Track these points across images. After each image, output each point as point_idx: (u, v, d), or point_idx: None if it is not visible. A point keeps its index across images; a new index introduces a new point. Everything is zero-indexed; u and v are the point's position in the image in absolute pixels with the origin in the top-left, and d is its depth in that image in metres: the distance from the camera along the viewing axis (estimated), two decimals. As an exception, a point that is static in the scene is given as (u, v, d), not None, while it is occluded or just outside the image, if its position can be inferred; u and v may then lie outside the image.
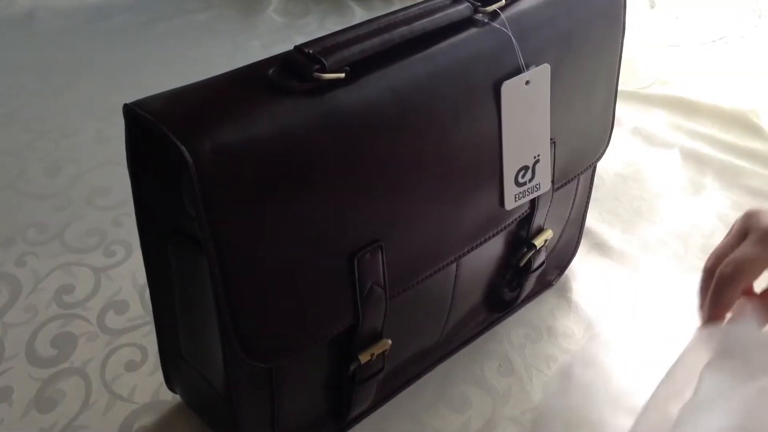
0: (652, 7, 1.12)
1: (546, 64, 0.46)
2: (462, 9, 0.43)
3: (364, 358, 0.45)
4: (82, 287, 0.64)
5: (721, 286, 0.48)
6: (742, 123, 0.87)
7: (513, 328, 0.61)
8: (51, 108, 0.87)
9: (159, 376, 0.52)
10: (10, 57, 0.97)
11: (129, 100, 0.36)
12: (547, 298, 0.64)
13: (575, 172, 0.55)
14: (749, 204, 0.75)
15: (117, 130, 0.83)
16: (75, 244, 0.68)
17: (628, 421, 0.54)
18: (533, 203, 0.51)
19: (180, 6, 1.10)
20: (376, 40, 0.39)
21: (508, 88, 0.44)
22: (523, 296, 0.60)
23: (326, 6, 1.11)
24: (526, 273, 0.56)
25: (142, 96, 0.36)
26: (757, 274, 0.48)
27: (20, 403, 0.54)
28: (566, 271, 0.66)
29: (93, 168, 0.78)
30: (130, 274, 0.65)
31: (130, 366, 0.57)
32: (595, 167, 0.59)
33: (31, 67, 0.95)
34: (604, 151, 0.57)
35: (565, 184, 0.54)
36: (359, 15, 1.08)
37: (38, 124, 0.84)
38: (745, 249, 0.48)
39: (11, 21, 1.05)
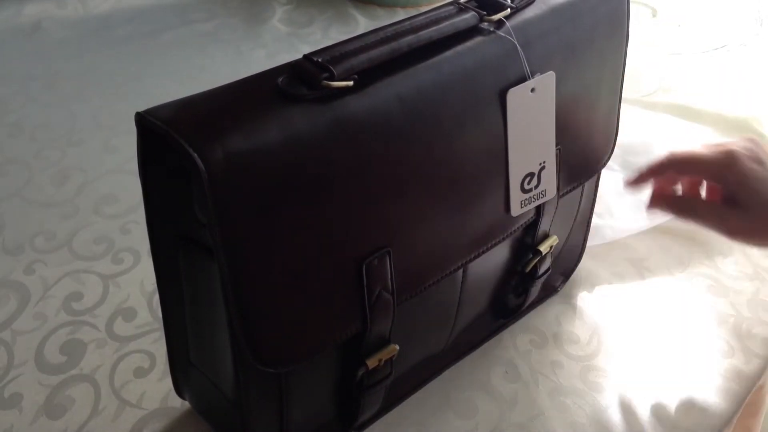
0: (654, 15, 1.12)
1: (551, 71, 0.47)
2: (468, 18, 0.43)
3: (372, 363, 0.46)
4: (90, 295, 0.64)
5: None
6: (745, 130, 0.87)
7: (519, 334, 0.61)
8: (57, 117, 0.88)
9: (168, 382, 0.53)
10: (17, 67, 0.98)
11: (135, 109, 0.36)
12: (553, 304, 0.64)
13: (580, 179, 0.55)
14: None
15: (123, 139, 0.84)
16: (83, 252, 0.69)
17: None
18: (539, 210, 0.52)
19: (184, 16, 1.11)
20: (383, 49, 0.40)
21: (514, 95, 0.45)
22: (528, 302, 0.60)
23: (330, 15, 1.12)
24: (531, 279, 0.57)
25: (148, 105, 0.36)
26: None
27: (30, 410, 0.54)
28: (571, 277, 0.66)
29: (100, 176, 0.78)
30: (138, 281, 0.65)
31: (139, 372, 0.57)
32: (599, 174, 0.60)
33: (38, 77, 0.96)
34: (609, 157, 0.58)
35: (571, 190, 0.54)
36: (363, 24, 1.09)
37: (45, 133, 0.85)
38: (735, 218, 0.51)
39: (18, 31, 1.06)
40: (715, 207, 0.52)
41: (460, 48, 0.43)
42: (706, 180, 0.54)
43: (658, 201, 0.55)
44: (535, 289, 0.59)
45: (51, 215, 0.73)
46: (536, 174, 0.49)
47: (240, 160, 0.34)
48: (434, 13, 0.43)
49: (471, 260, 0.48)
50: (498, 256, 0.53)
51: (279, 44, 1.04)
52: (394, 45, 0.40)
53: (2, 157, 0.81)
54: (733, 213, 0.51)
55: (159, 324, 0.60)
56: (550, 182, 0.51)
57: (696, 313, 0.64)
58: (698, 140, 0.84)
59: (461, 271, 0.50)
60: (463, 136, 0.43)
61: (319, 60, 0.38)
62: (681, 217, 0.55)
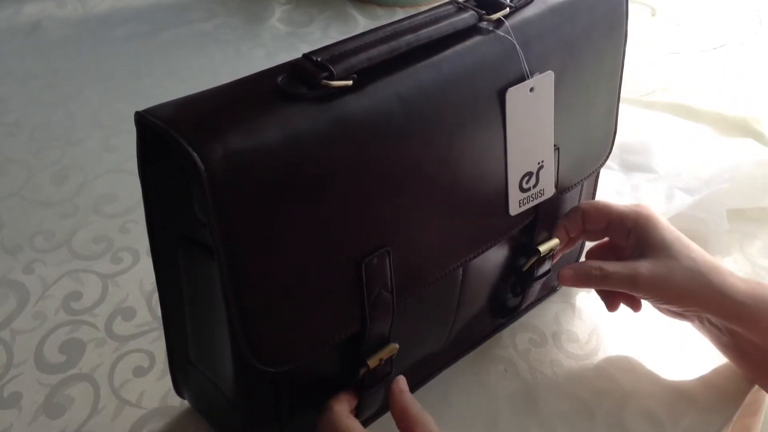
0: (653, 14, 1.13)
1: (550, 71, 0.47)
2: (467, 17, 0.43)
3: (372, 362, 0.46)
4: (89, 294, 0.64)
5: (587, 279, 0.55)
6: (744, 130, 0.87)
7: (518, 333, 0.61)
8: (57, 116, 0.88)
9: (167, 381, 0.53)
10: (16, 66, 0.98)
11: (134, 109, 0.36)
12: (552, 303, 0.64)
13: (579, 178, 0.55)
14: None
15: (123, 138, 0.84)
16: (82, 252, 0.69)
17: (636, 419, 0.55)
18: (537, 209, 0.52)
19: (184, 15, 1.11)
20: (383, 48, 0.40)
21: (513, 95, 0.45)
22: (527, 303, 0.60)
23: (329, 15, 1.12)
24: (529, 279, 0.57)
25: (147, 104, 0.36)
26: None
27: (29, 409, 0.55)
28: (570, 277, 0.66)
29: (99, 176, 0.78)
30: (137, 280, 0.65)
31: (138, 372, 0.57)
32: (598, 173, 0.60)
33: (37, 76, 0.96)
34: (608, 157, 0.58)
35: (569, 189, 0.55)
36: (362, 24, 1.09)
37: (44, 133, 0.85)
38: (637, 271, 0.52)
39: (17, 30, 1.06)
40: (624, 264, 0.53)
41: (459, 47, 0.43)
42: (618, 227, 0.55)
43: (569, 279, 0.56)
44: (534, 290, 0.59)
45: (50, 214, 0.73)
46: (535, 173, 0.49)
47: (240, 160, 0.35)
48: (433, 12, 0.43)
49: (470, 259, 0.48)
50: (497, 255, 0.53)
51: (278, 44, 1.04)
52: (393, 44, 0.40)
53: (2, 156, 0.81)
54: (642, 263, 0.52)
55: (158, 323, 0.60)
56: (548, 181, 0.51)
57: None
58: (697, 139, 0.84)
59: (461, 270, 0.50)
60: (462, 135, 0.44)
61: (319, 59, 0.38)
62: (592, 286, 0.57)
